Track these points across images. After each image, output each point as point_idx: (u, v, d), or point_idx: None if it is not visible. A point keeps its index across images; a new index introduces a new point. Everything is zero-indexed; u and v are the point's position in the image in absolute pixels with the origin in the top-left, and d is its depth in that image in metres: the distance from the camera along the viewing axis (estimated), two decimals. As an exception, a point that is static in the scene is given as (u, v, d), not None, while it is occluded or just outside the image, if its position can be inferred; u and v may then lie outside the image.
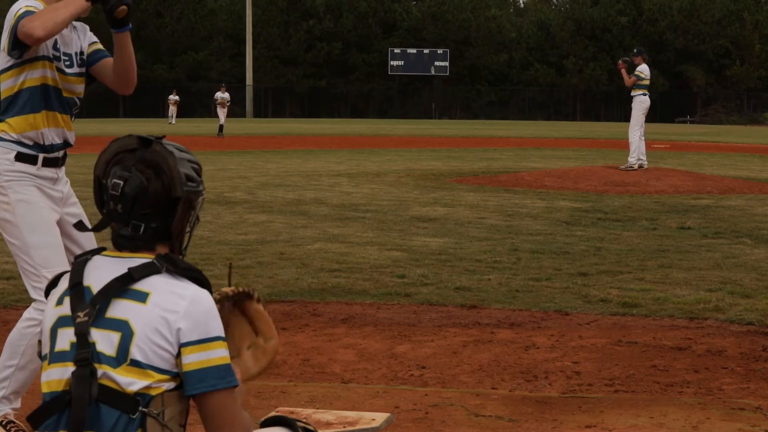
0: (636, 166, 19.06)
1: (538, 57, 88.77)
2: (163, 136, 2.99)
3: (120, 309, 2.76)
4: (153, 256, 2.85)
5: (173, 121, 54.41)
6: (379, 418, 4.71)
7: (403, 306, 7.60)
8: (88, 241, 4.50)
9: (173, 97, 54.59)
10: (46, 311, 2.89)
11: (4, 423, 4.41)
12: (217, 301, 3.02)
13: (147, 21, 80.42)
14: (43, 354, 2.86)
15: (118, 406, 2.71)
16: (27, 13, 4.24)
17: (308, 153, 29.27)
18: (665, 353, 6.17)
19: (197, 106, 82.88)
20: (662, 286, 8.38)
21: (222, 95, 41.02)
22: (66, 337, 2.78)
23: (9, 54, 4.35)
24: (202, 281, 2.87)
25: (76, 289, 2.83)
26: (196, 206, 2.97)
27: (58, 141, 4.47)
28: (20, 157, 4.39)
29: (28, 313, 4.43)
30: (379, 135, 44.02)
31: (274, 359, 3.25)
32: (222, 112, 40.43)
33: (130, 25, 4.39)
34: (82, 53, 4.54)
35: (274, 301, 7.69)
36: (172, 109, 54.87)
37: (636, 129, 19.15)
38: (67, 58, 4.48)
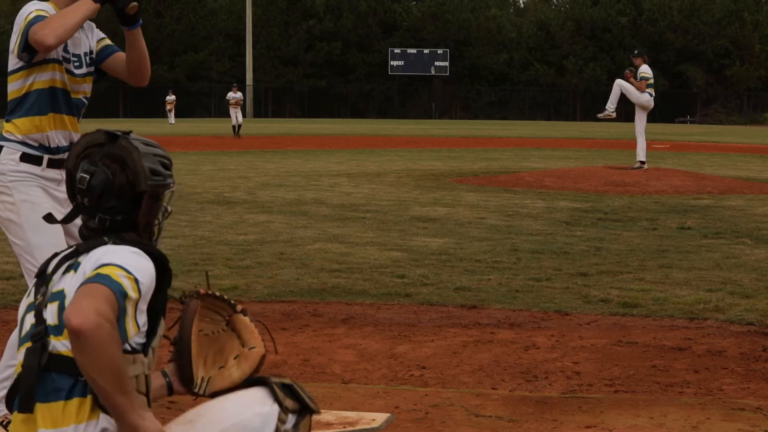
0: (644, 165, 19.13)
1: (538, 57, 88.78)
2: (130, 132, 3.07)
3: (60, 282, 2.90)
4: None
5: (172, 121, 54.40)
6: (379, 418, 4.72)
7: (403, 306, 7.60)
8: None
9: (170, 98, 54.55)
10: (20, 306, 3.03)
11: (4, 423, 4.41)
12: (186, 295, 3.12)
13: (147, 21, 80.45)
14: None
15: (68, 371, 2.79)
16: (38, 18, 4.25)
17: (308, 153, 29.27)
18: (665, 353, 6.17)
19: (197, 106, 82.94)
20: (662, 286, 8.38)
21: (234, 95, 40.67)
22: (29, 320, 2.93)
23: (19, 57, 4.37)
24: (153, 254, 2.94)
25: (41, 277, 2.98)
26: (163, 199, 3.06)
27: (64, 143, 4.50)
28: (25, 158, 4.42)
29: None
30: (379, 135, 44.02)
31: (259, 366, 3.29)
32: (234, 112, 40.05)
33: (141, 20, 4.41)
34: (91, 52, 4.57)
35: (274, 301, 7.69)
36: (169, 109, 54.86)
37: (642, 128, 19.12)
38: (76, 59, 4.50)
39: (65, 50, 4.44)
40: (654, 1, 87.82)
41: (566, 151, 31.82)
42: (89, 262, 2.87)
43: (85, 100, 4.60)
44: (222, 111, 73.81)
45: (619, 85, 18.88)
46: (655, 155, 27.27)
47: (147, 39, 4.65)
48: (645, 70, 19.10)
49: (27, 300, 3.01)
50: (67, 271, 2.92)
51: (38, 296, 2.93)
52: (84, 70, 4.53)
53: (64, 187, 4.51)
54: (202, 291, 3.27)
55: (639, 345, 6.36)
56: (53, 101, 4.44)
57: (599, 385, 5.52)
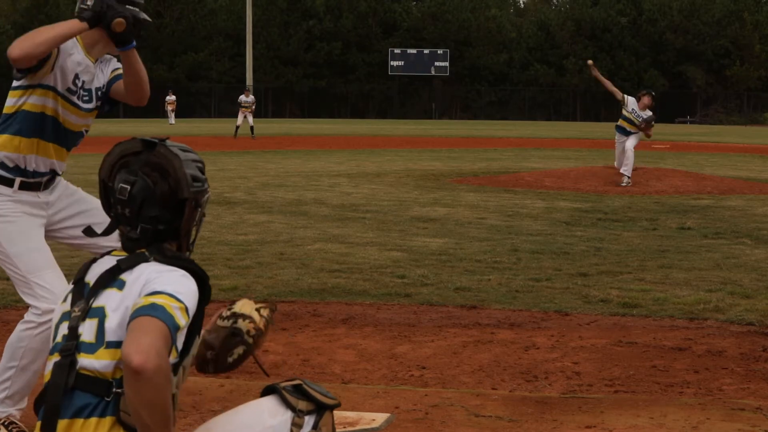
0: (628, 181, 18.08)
1: (538, 57, 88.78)
2: (167, 138, 3.00)
3: (102, 298, 2.85)
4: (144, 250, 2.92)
5: (173, 121, 54.39)
6: (379, 418, 4.71)
7: (403, 306, 7.60)
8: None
9: (170, 98, 54.47)
10: (57, 307, 2.98)
11: (6, 423, 4.42)
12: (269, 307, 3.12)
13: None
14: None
15: (93, 391, 2.78)
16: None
17: (308, 153, 29.27)
18: (665, 353, 6.17)
19: (197, 106, 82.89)
20: (662, 286, 8.38)
21: (246, 99, 40.20)
22: (62, 331, 2.88)
23: (13, 76, 4.33)
24: (193, 270, 2.91)
25: (78, 285, 2.92)
26: (203, 204, 3.00)
27: (42, 169, 4.44)
28: None
29: (26, 316, 4.45)
30: (379, 135, 44.02)
31: (252, 355, 3.25)
32: (242, 115, 39.65)
33: (134, 42, 4.30)
34: (102, 87, 4.52)
35: (274, 301, 7.68)
36: (170, 110, 54.80)
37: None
38: (86, 93, 4.45)
39: (74, 83, 4.37)
40: (654, 1, 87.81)
41: (566, 151, 31.81)
42: (137, 284, 2.82)
43: (85, 132, 4.58)
44: (222, 111, 73.91)
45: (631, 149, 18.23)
46: (655, 155, 27.28)
47: (147, 39, 4.59)
48: (630, 101, 18.21)
49: (63, 306, 2.94)
50: (108, 286, 2.86)
51: (75, 308, 2.86)
52: (92, 105, 4.49)
53: (42, 198, 4.48)
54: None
55: (639, 345, 6.36)
56: (40, 127, 4.37)
57: (599, 385, 5.52)
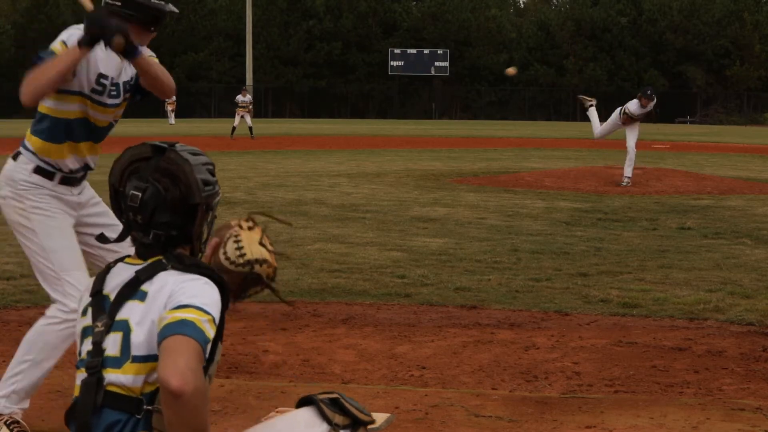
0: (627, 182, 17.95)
1: (538, 57, 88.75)
2: (176, 142, 2.98)
3: (125, 310, 2.83)
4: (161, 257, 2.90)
5: (173, 122, 54.38)
6: (379, 418, 4.71)
7: (403, 306, 7.60)
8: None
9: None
10: (77, 320, 2.97)
11: (8, 422, 4.41)
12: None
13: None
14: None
15: (125, 408, 2.77)
16: (48, 54, 4.23)
17: (308, 153, 29.26)
18: (665, 353, 6.17)
19: (197, 106, 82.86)
20: (662, 286, 8.38)
21: (243, 98, 40.08)
22: (86, 347, 2.87)
23: None
24: (212, 277, 2.90)
25: (96, 298, 2.91)
26: (214, 207, 3.00)
27: (77, 166, 4.53)
28: (38, 171, 4.47)
29: (49, 311, 4.47)
30: (379, 135, 44.01)
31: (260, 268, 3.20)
32: (238, 116, 39.55)
33: (138, 50, 4.28)
34: (130, 80, 4.55)
35: (274, 301, 7.67)
36: (170, 110, 54.76)
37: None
38: (114, 88, 4.48)
39: (98, 83, 4.40)
40: (654, 1, 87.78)
41: (566, 151, 31.81)
42: (160, 295, 2.80)
43: (114, 122, 4.62)
44: (222, 111, 73.89)
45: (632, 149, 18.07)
46: (655, 155, 27.27)
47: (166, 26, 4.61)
48: (632, 108, 17.99)
49: (83, 321, 2.93)
50: (130, 298, 2.85)
51: (97, 323, 2.85)
52: (119, 99, 4.52)
53: (76, 194, 4.55)
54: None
55: (639, 345, 6.36)
56: (69, 131, 4.43)
57: (599, 385, 5.52)
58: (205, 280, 2.85)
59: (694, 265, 9.49)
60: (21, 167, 4.46)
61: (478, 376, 5.71)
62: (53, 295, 4.45)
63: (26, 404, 4.49)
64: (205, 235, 3.03)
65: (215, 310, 2.80)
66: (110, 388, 2.79)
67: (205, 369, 2.81)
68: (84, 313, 2.93)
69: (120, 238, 2.99)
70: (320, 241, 10.82)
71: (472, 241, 11.03)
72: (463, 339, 6.51)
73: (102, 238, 3.23)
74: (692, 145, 37.14)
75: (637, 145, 18.11)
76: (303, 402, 3.07)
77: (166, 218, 2.89)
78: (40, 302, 7.42)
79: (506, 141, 39.25)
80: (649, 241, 11.11)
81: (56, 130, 4.41)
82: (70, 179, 4.52)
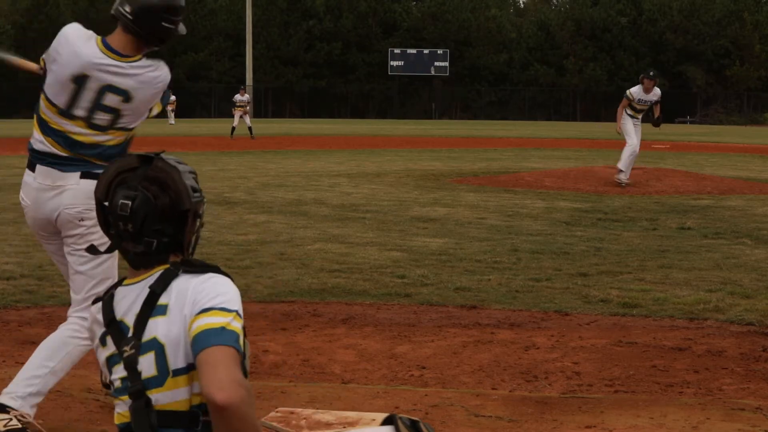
0: (618, 180, 17.64)
1: (538, 57, 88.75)
2: (162, 151, 3.00)
3: (150, 329, 2.82)
4: (167, 266, 2.90)
5: (172, 122, 54.37)
6: (379, 418, 4.71)
7: (403, 306, 7.60)
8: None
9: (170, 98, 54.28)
10: (96, 350, 2.96)
11: (23, 423, 4.39)
12: None
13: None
14: (104, 383, 2.99)
15: (181, 425, 2.78)
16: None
17: (308, 153, 29.26)
18: (665, 353, 6.17)
19: (197, 106, 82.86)
20: (662, 286, 8.38)
21: (242, 98, 40.04)
22: (118, 375, 2.86)
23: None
24: (219, 272, 2.92)
25: (113, 326, 2.89)
26: (202, 214, 3.01)
27: None
28: None
29: (74, 324, 4.51)
30: (379, 135, 44.01)
31: None
32: (237, 115, 39.51)
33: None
34: None
35: (274, 301, 7.69)
36: (170, 110, 54.74)
37: (627, 138, 17.78)
38: None
39: None
40: (654, 1, 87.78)
41: (566, 151, 31.81)
42: (183, 303, 2.79)
43: None
44: (222, 111, 73.85)
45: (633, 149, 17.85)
46: (655, 155, 27.27)
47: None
48: (633, 90, 17.72)
49: (105, 351, 2.90)
50: (150, 315, 2.83)
51: (125, 347, 2.83)
52: None
53: None
54: None
55: (639, 345, 6.36)
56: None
57: (599, 385, 5.52)
58: (218, 275, 2.86)
59: (694, 265, 9.49)
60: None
61: (478, 376, 5.71)
62: (84, 308, 4.47)
63: (35, 409, 4.48)
64: (193, 243, 3.04)
65: (237, 303, 2.81)
66: (160, 407, 2.78)
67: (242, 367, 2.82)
68: (103, 343, 2.91)
69: (110, 249, 2.99)
70: (320, 241, 10.82)
71: (472, 241, 11.03)
72: (463, 339, 6.51)
73: (92, 250, 3.22)
74: (692, 145, 37.14)
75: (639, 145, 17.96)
76: (386, 421, 3.15)
77: (156, 225, 2.89)
78: (40, 302, 7.43)
79: (506, 141, 39.25)
80: (649, 241, 11.11)
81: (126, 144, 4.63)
82: None
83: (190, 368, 2.77)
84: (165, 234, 2.91)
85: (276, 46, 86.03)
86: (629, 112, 17.75)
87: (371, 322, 7.01)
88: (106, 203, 2.93)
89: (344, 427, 4.60)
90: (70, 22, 4.77)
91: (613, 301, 7.74)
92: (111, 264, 4.58)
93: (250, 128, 38.58)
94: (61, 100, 4.46)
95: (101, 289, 4.47)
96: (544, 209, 14.26)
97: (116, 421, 2.87)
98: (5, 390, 4.45)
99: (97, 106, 4.45)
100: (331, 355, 6.11)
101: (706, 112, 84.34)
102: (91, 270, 4.54)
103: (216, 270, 2.89)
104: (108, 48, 4.45)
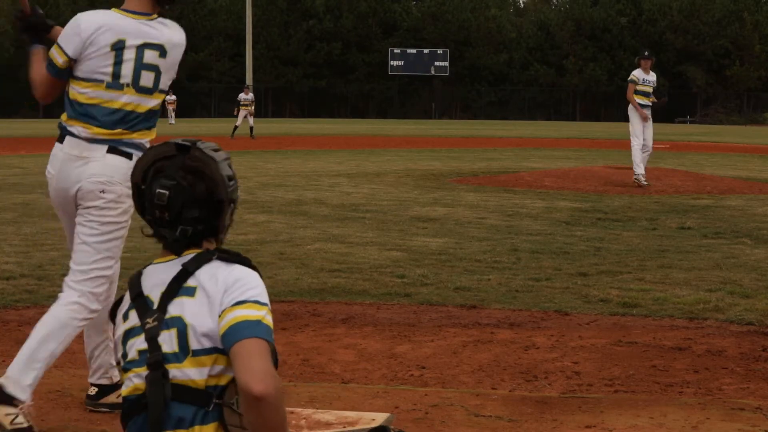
0: (640, 179, 17.68)
1: (538, 57, 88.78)
2: (198, 140, 3.03)
3: (176, 307, 2.86)
4: (201, 250, 2.95)
5: (173, 122, 54.37)
6: (379, 418, 4.71)
7: (403, 306, 7.60)
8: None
9: (170, 98, 54.35)
10: (116, 327, 2.98)
11: (28, 420, 4.38)
12: None
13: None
14: (117, 360, 3.00)
15: (193, 402, 2.80)
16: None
17: (308, 153, 29.27)
18: (665, 353, 6.17)
19: (197, 106, 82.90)
20: (662, 286, 8.38)
21: (246, 96, 40.01)
22: (135, 347, 2.88)
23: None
24: (253, 266, 2.96)
25: (139, 300, 2.92)
26: (237, 199, 3.05)
27: None
28: None
29: (73, 304, 4.57)
30: (379, 135, 44.02)
31: None
32: (242, 115, 39.49)
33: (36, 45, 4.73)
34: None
35: (274, 301, 7.66)
36: (170, 110, 54.77)
37: (632, 138, 17.87)
38: None
39: None
40: (654, 1, 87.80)
41: (566, 151, 31.81)
42: (214, 289, 2.82)
43: None
44: (222, 111, 73.86)
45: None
46: (655, 155, 27.24)
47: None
48: (634, 73, 18.11)
49: (125, 325, 2.93)
50: (179, 294, 2.86)
51: (148, 320, 2.86)
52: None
53: None
54: None
55: (639, 345, 6.36)
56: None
57: (599, 385, 5.52)
58: (249, 269, 2.90)
59: (694, 265, 9.49)
60: (131, 165, 4.52)
61: (478, 375, 5.71)
62: (89, 288, 4.54)
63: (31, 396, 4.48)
64: (227, 227, 3.09)
65: (267, 298, 2.86)
66: (176, 381, 2.81)
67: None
68: (125, 317, 2.94)
69: (153, 235, 3.02)
70: (320, 241, 10.82)
71: (472, 240, 11.03)
72: (463, 339, 6.51)
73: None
74: (692, 145, 37.15)
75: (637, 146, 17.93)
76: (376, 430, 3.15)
77: (194, 214, 2.93)
78: (40, 302, 7.42)
79: (506, 141, 39.25)
80: (649, 241, 11.11)
81: (156, 119, 4.74)
82: None
83: (210, 351, 2.80)
84: (200, 221, 2.94)
85: (276, 46, 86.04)
86: (640, 100, 17.79)
87: (371, 322, 7.02)
88: (143, 187, 2.96)
89: (344, 427, 4.60)
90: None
91: (613, 301, 7.74)
92: (118, 244, 4.62)
93: (251, 128, 38.54)
94: (106, 72, 4.57)
95: (103, 266, 4.57)
96: (544, 209, 14.26)
97: (125, 393, 2.89)
98: (8, 374, 4.43)
99: (140, 66, 4.58)
100: (331, 355, 6.11)
101: (706, 112, 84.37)
102: (97, 244, 4.57)
103: (248, 263, 2.94)
104: (127, 11, 4.63)
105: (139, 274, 2.99)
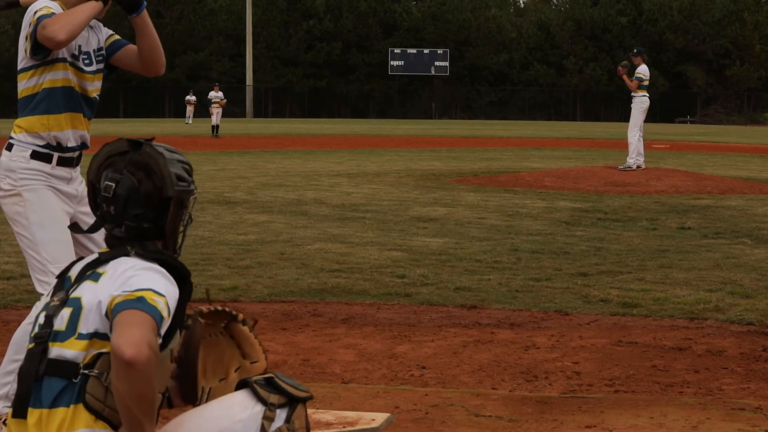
0: (634, 167, 19.04)
1: (538, 57, 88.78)
2: (152, 138, 3.05)
3: (80, 289, 2.90)
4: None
5: (190, 121, 54.56)
6: (379, 418, 4.71)
7: (403, 306, 7.60)
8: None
9: (190, 98, 54.65)
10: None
11: (4, 420, 4.39)
12: (189, 317, 3.09)
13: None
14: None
15: (61, 374, 2.82)
16: (47, 15, 4.28)
17: (308, 153, 29.27)
18: (665, 353, 6.17)
19: (197, 106, 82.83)
20: (662, 286, 8.38)
21: (216, 94, 40.42)
22: (39, 320, 2.95)
23: (31, 55, 4.40)
24: (175, 267, 2.95)
25: (60, 278, 3.00)
26: (188, 205, 3.03)
27: (74, 143, 4.54)
28: (35, 155, 4.47)
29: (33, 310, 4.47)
30: (379, 135, 44.01)
31: None
32: (217, 113, 39.85)
33: (145, 3, 4.43)
34: (100, 49, 4.61)
35: (274, 301, 7.69)
36: (189, 110, 55.00)
37: (635, 130, 19.21)
38: (86, 56, 4.54)
39: (76, 47, 4.47)
40: (654, 1, 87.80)
41: (566, 151, 31.81)
42: (114, 278, 2.86)
43: (96, 97, 4.64)
44: (222, 111, 73.82)
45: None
46: (655, 155, 27.27)
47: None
48: (641, 70, 19.30)
49: (44, 299, 3.02)
50: (86, 278, 2.92)
51: (54, 298, 2.93)
52: (93, 67, 4.57)
53: (74, 185, 4.56)
54: (204, 309, 3.24)
55: (639, 345, 6.36)
56: (68, 100, 4.47)
57: (599, 385, 5.52)
58: (162, 272, 2.90)
59: (694, 265, 9.49)
60: (17, 155, 4.46)
61: (478, 375, 5.71)
62: (38, 287, 4.45)
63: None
64: (180, 239, 3.07)
65: (169, 295, 2.85)
66: (53, 357, 2.84)
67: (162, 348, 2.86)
68: (48, 294, 3.03)
69: (92, 229, 3.07)
70: (320, 241, 10.82)
71: (472, 240, 11.03)
72: (463, 339, 6.51)
73: (75, 228, 3.28)
74: (692, 145, 37.14)
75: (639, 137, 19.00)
76: (240, 385, 3.09)
77: (138, 210, 2.95)
78: (40, 302, 7.43)
79: (506, 141, 39.25)
80: (649, 241, 11.11)
81: (51, 101, 4.44)
82: (68, 160, 4.51)
83: (93, 336, 2.82)
84: (146, 219, 2.96)
85: (276, 46, 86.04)
86: (642, 93, 19.16)
87: (371, 322, 7.02)
88: (97, 185, 3.01)
89: (344, 427, 4.60)
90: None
91: (613, 301, 7.74)
92: (57, 249, 4.44)
93: (217, 126, 38.75)
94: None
95: (55, 272, 4.40)
96: (544, 209, 14.26)
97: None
98: None
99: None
100: (331, 355, 6.11)
101: (706, 112, 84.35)
102: (27, 254, 4.51)
103: (169, 263, 2.93)
104: None
105: (81, 258, 3.06)
